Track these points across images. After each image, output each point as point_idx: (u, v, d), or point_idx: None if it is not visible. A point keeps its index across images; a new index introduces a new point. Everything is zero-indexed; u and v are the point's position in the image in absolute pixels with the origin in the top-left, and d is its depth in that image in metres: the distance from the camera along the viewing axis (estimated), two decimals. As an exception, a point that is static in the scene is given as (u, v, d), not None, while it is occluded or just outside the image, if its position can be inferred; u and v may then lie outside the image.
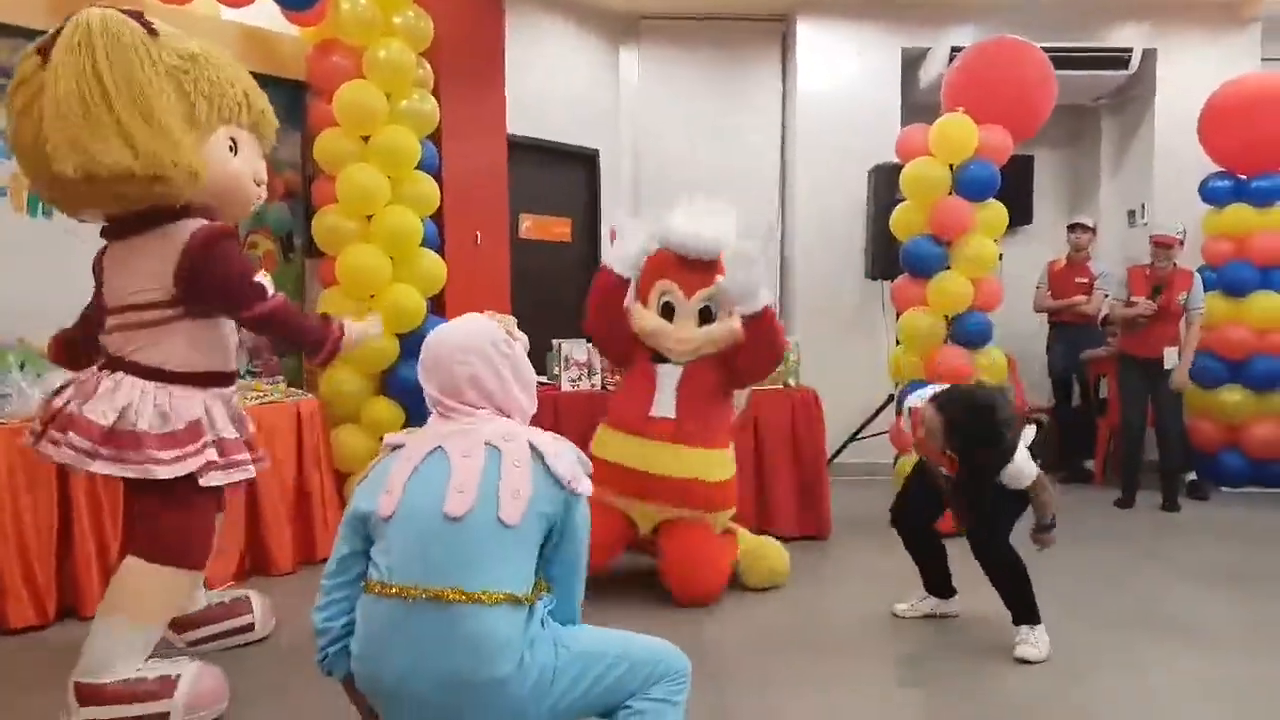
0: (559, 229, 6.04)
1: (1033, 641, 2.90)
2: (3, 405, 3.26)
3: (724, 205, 3.58)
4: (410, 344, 4.04)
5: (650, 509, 3.38)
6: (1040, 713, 2.58)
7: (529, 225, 5.80)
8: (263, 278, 2.59)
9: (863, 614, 3.32)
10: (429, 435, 1.77)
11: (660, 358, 3.47)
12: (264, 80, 2.77)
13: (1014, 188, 4.98)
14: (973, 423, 2.78)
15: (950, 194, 4.44)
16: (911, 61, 6.15)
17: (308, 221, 4.35)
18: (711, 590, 3.39)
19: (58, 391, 2.57)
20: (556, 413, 4.08)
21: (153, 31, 2.42)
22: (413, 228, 4.18)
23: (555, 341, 4.34)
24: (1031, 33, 4.97)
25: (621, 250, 3.42)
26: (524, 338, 1.90)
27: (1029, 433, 2.99)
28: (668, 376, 3.42)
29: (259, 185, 2.69)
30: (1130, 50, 5.90)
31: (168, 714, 2.38)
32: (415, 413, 4.09)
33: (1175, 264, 5.10)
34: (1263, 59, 6.05)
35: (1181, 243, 5.14)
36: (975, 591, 3.17)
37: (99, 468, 2.38)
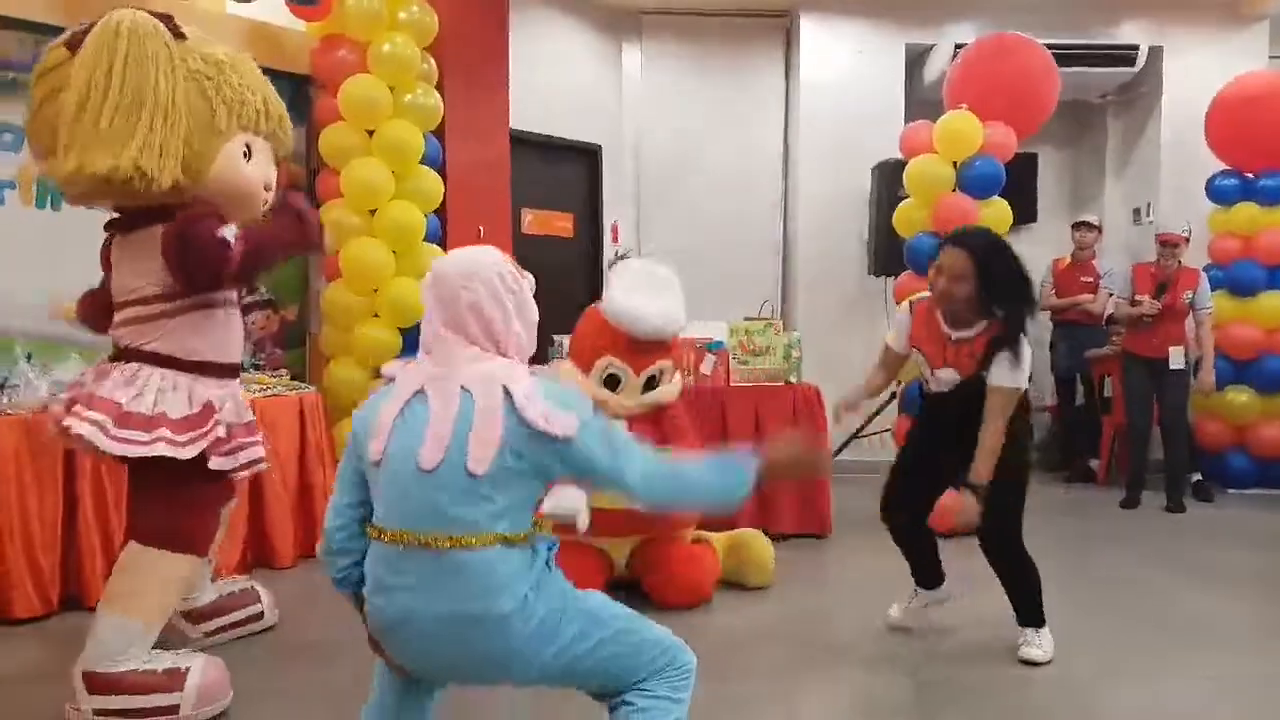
0: (561, 224, 6.04)
1: (1038, 644, 2.87)
2: (10, 396, 3.29)
3: (668, 274, 3.36)
4: (412, 339, 4.05)
5: (620, 541, 3.34)
6: (1044, 714, 2.58)
7: (531, 220, 5.81)
8: (224, 231, 2.53)
9: (864, 612, 3.31)
10: (417, 374, 1.73)
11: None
12: (268, 74, 2.79)
13: (1018, 185, 4.97)
14: (999, 256, 2.64)
15: (954, 191, 4.43)
16: (915, 58, 6.14)
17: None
18: (698, 588, 3.37)
19: (70, 386, 2.64)
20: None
21: (180, 35, 2.47)
22: (416, 222, 4.19)
23: (556, 337, 4.35)
24: (1036, 29, 4.96)
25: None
26: (531, 278, 1.88)
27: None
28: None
29: (267, 190, 2.73)
30: (1136, 47, 5.88)
31: (177, 706, 2.40)
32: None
33: (1181, 262, 5.08)
34: (1270, 56, 6.02)
35: (1187, 241, 5.12)
36: (978, 593, 3.16)
37: (111, 446, 2.40)
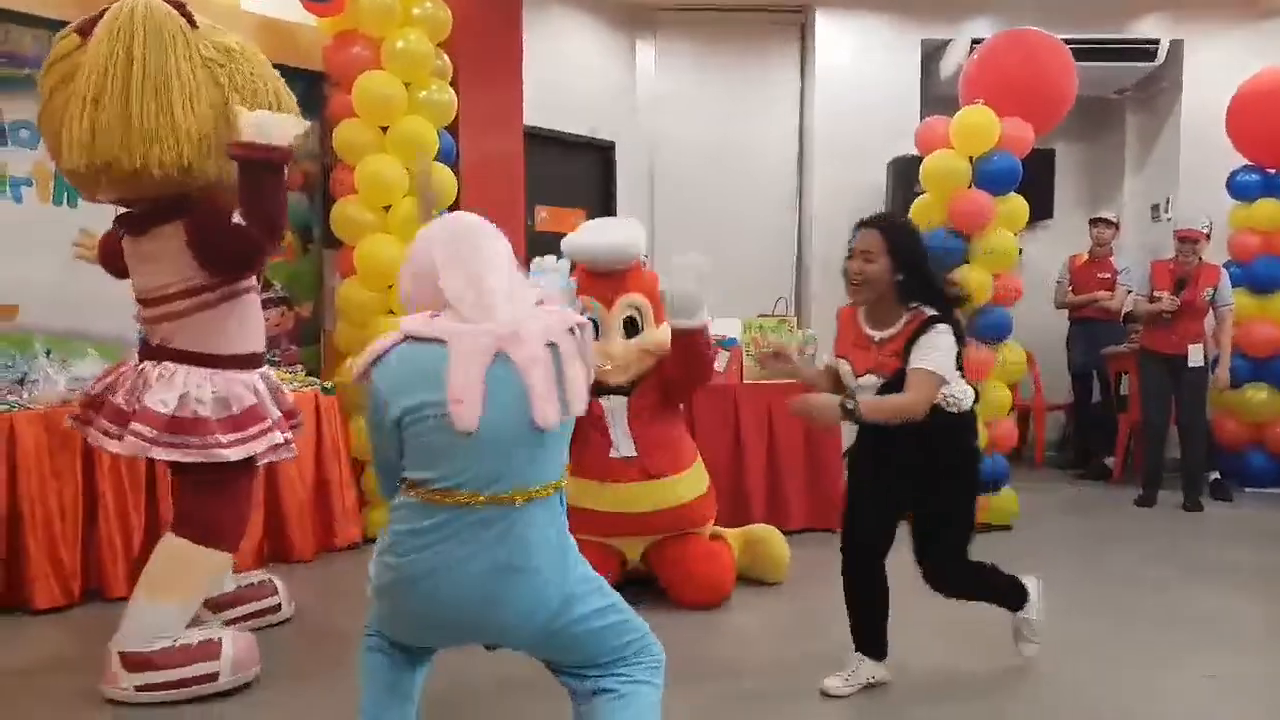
0: (575, 221, 6.03)
1: (1028, 632, 2.77)
2: (30, 391, 3.32)
3: (631, 220, 3.56)
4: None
5: (634, 540, 3.33)
6: (1052, 709, 2.56)
7: (545, 217, 5.81)
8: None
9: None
10: (480, 335, 1.67)
11: (601, 389, 3.18)
12: (282, 71, 2.80)
13: (1035, 181, 4.92)
14: (911, 237, 2.50)
15: (970, 187, 4.39)
16: (931, 53, 6.10)
17: (326, 212, 4.38)
18: (719, 586, 3.35)
19: (97, 380, 2.68)
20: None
21: (193, 23, 2.47)
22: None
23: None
24: (1054, 24, 4.91)
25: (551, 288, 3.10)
26: None
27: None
28: (616, 412, 3.23)
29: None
30: (1157, 41, 5.82)
31: (217, 673, 2.48)
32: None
33: (1201, 259, 5.03)
34: (1292, 50, 5.95)
35: (1208, 237, 5.08)
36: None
37: (160, 454, 2.45)
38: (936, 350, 2.40)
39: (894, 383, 2.45)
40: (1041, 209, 5.92)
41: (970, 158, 4.39)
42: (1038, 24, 4.83)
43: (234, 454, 2.49)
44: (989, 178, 4.36)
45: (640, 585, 3.30)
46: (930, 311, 2.47)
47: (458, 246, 1.75)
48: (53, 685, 2.61)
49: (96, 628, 2.80)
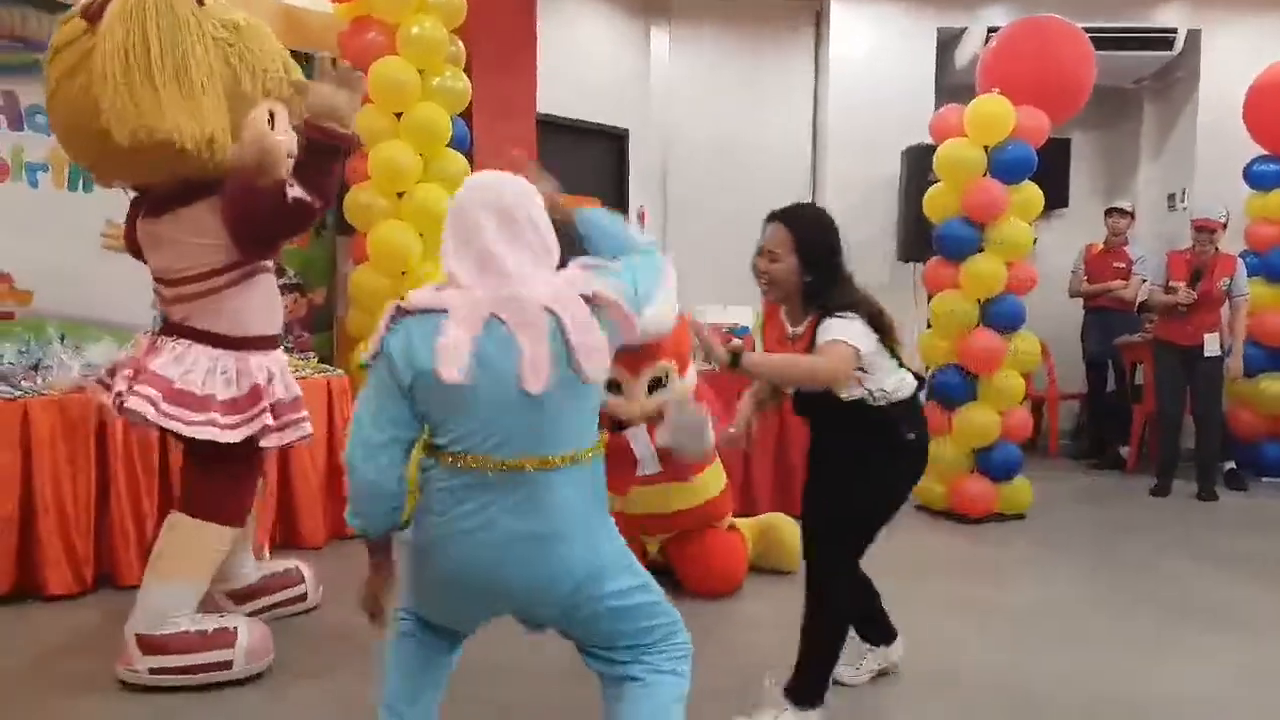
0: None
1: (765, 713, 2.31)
2: (44, 376, 3.33)
3: (667, 285, 3.17)
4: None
5: (656, 534, 3.39)
6: (1071, 700, 2.56)
7: (558, 205, 5.79)
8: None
9: (890, 592, 3.27)
10: (480, 299, 1.68)
11: (619, 424, 3.10)
12: (296, 56, 2.79)
13: (1050, 170, 4.88)
14: (824, 232, 2.34)
15: (985, 176, 4.36)
16: (947, 41, 6.05)
17: (339, 198, 4.38)
18: (733, 576, 3.38)
19: (118, 363, 2.69)
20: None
21: (200, 1, 2.46)
22: (443, 206, 4.18)
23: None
24: (1071, 12, 4.86)
25: None
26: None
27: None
28: (639, 440, 3.12)
29: (290, 158, 2.72)
30: (1174, 31, 5.76)
31: (230, 661, 2.50)
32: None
33: (1217, 248, 4.99)
34: (1312, 39, 5.88)
35: (1225, 226, 5.04)
36: (1001, 584, 3.13)
37: (160, 420, 2.45)
38: (840, 322, 2.18)
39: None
40: (1057, 198, 5.88)
41: (985, 147, 4.36)
42: (1055, 12, 4.78)
43: (230, 436, 2.49)
44: (1004, 167, 4.33)
45: (656, 574, 3.30)
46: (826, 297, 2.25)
47: (499, 206, 1.75)
48: (65, 672, 2.63)
49: (109, 615, 2.81)
